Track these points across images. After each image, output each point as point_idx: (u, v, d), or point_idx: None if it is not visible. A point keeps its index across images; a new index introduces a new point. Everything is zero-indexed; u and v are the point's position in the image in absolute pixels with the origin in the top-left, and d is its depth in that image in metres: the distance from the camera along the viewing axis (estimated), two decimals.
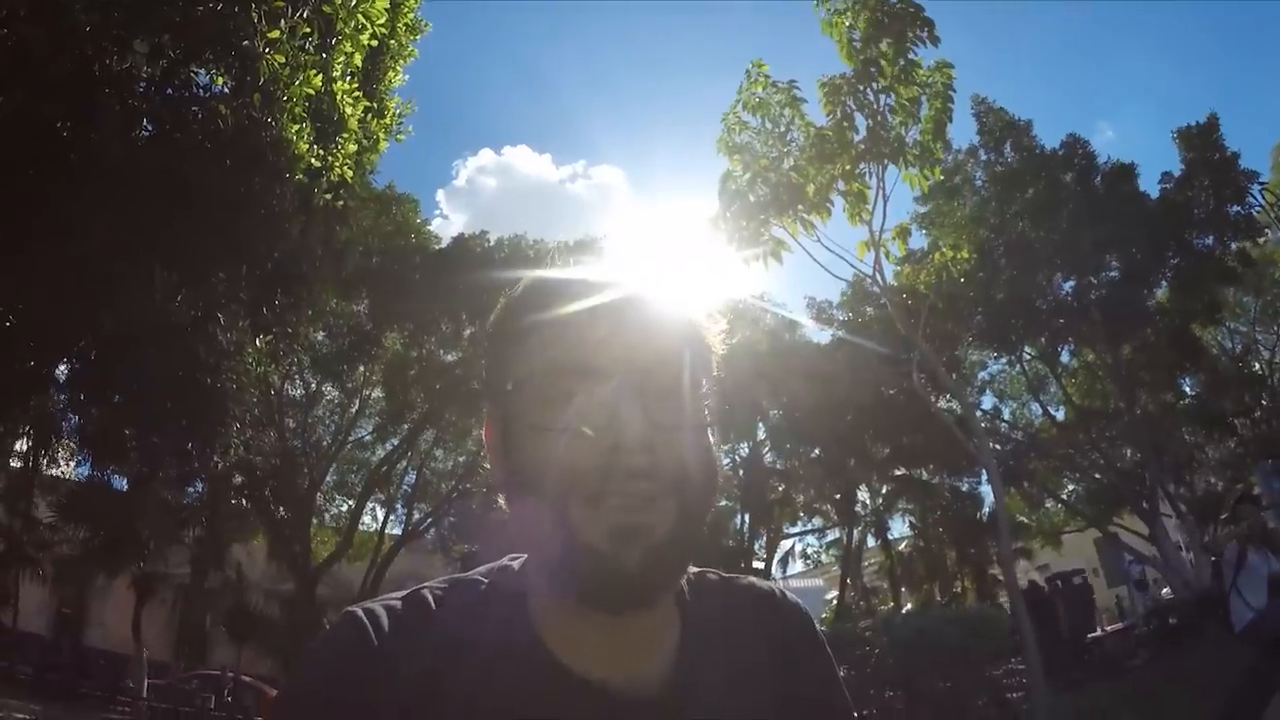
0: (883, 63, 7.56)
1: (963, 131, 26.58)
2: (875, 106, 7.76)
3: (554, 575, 0.74)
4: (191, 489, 20.99)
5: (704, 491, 0.74)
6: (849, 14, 7.68)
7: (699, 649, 0.82)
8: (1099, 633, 19.33)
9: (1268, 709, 5.79)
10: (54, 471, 21.12)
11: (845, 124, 7.74)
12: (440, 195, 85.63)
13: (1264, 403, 21.49)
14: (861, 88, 7.71)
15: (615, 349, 0.73)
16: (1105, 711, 9.96)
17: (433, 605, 0.77)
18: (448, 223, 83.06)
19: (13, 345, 8.55)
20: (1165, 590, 20.44)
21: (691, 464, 0.73)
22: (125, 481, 17.29)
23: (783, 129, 8.20)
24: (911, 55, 7.56)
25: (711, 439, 0.77)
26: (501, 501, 0.79)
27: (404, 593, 0.79)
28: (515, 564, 0.83)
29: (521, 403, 0.74)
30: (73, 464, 18.86)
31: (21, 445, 19.17)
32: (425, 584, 0.81)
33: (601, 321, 0.74)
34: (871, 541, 32.49)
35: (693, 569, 0.89)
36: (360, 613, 0.75)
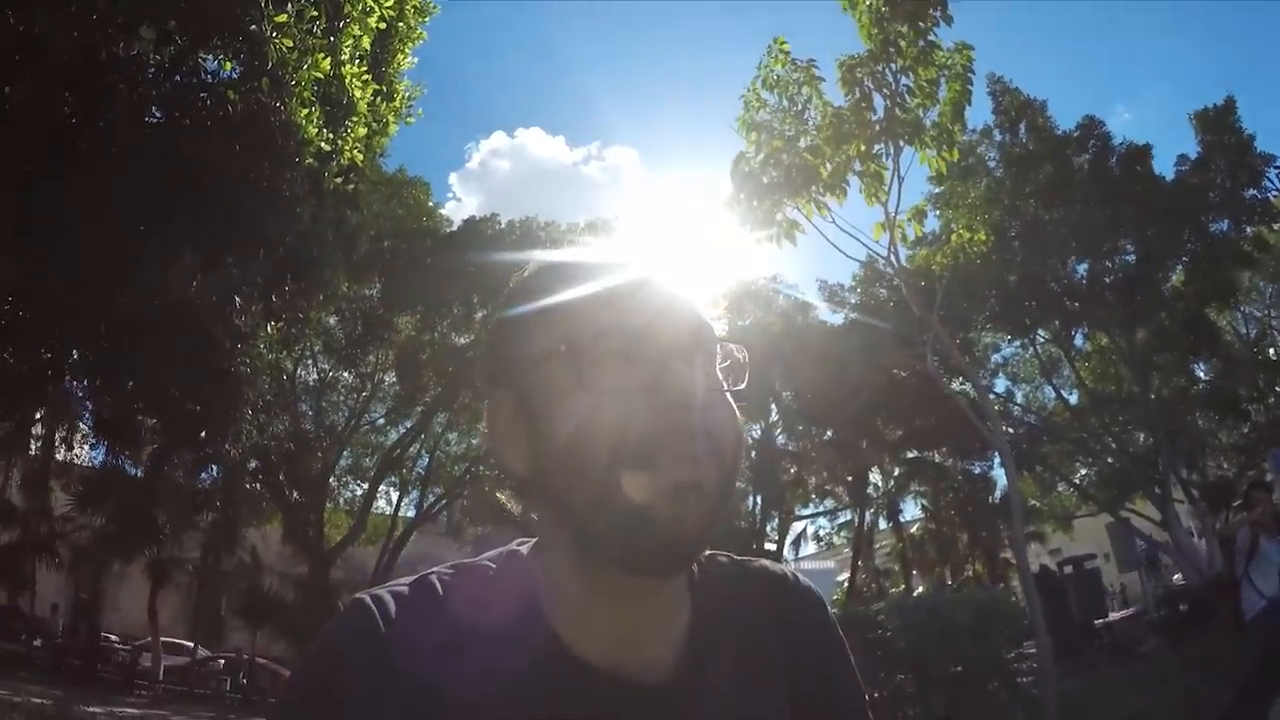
0: (901, 43, 7.48)
1: (979, 111, 26.37)
2: (894, 87, 7.69)
3: (599, 547, 0.73)
4: (206, 473, 21.17)
5: (738, 457, 0.76)
6: None
7: (710, 632, 0.81)
8: (1110, 618, 19.32)
9: (1279, 697, 5.77)
10: (69, 457, 21.29)
11: (863, 104, 7.67)
12: (453, 178, 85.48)
13: (1278, 388, 21.31)
14: (880, 68, 7.63)
15: (651, 316, 0.75)
16: (1116, 696, 9.96)
17: (440, 591, 0.77)
18: (461, 205, 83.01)
19: (28, 333, 8.60)
20: (1177, 576, 20.38)
21: (729, 431, 0.75)
22: (139, 467, 17.42)
23: (800, 107, 8.14)
24: (931, 36, 7.48)
25: (738, 412, 0.78)
26: (510, 489, 0.78)
27: (412, 579, 0.79)
28: (524, 549, 0.82)
29: (557, 371, 0.74)
30: (87, 449, 19.03)
31: (38, 430, 19.32)
32: (433, 570, 0.80)
33: (634, 291, 0.76)
34: (883, 524, 32.55)
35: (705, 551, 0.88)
36: (368, 599, 0.75)
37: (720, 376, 0.77)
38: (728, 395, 0.77)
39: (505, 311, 0.82)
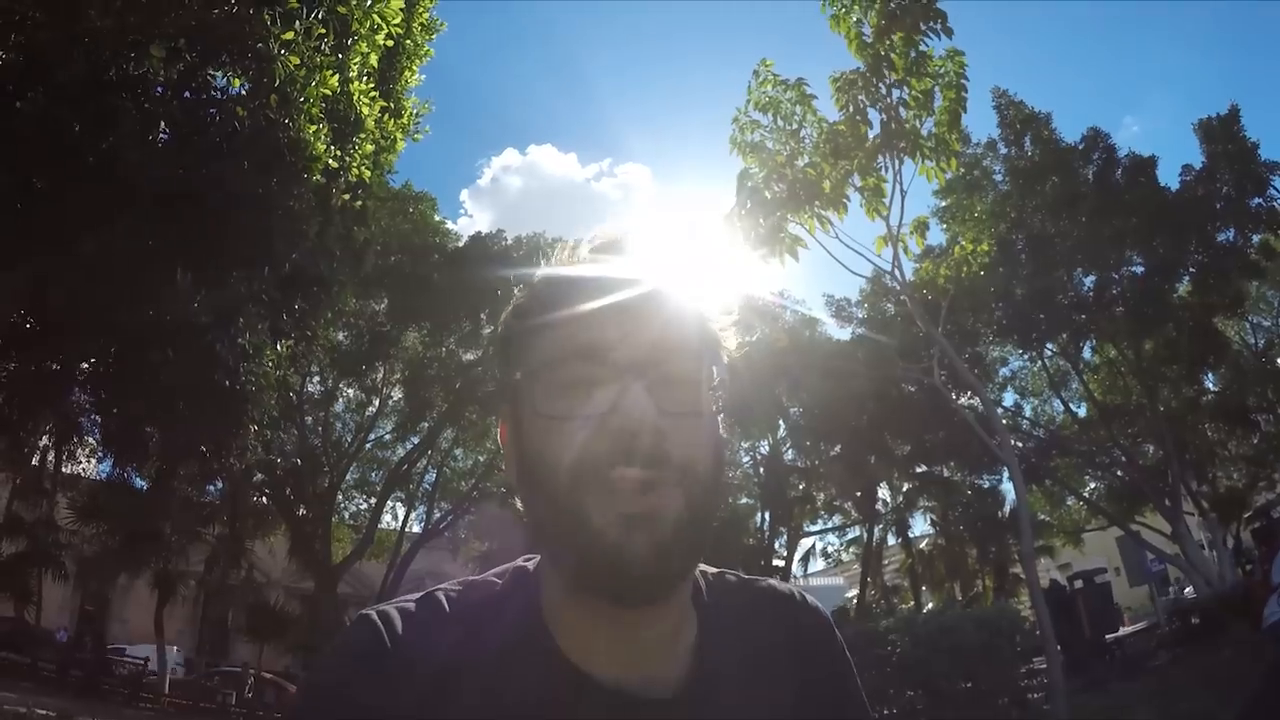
0: (893, 56, 7.50)
1: (984, 125, 26.38)
2: (889, 100, 7.70)
3: (565, 568, 0.73)
4: (212, 487, 21.18)
5: (711, 482, 0.73)
6: (857, 8, 7.62)
7: (716, 651, 0.81)
8: (1120, 632, 19.16)
9: None
10: (75, 469, 21.32)
11: (858, 119, 7.68)
12: (464, 195, 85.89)
13: None
14: (874, 82, 7.65)
15: (623, 337, 0.73)
16: (1127, 712, 9.86)
17: (447, 607, 0.77)
18: (472, 222, 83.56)
19: (35, 346, 8.64)
20: (1188, 589, 20.23)
21: (699, 453, 0.72)
22: (145, 480, 17.42)
23: (794, 126, 8.16)
24: (922, 47, 7.50)
25: (722, 431, 0.77)
26: (517, 501, 0.78)
27: (419, 595, 0.79)
28: (530, 565, 0.83)
29: (530, 393, 0.73)
30: (93, 462, 19.04)
31: (44, 441, 19.36)
32: (440, 586, 0.81)
33: (609, 311, 0.74)
34: (892, 539, 32.37)
35: (712, 570, 0.89)
36: (375, 615, 0.75)
37: (698, 398, 0.74)
38: (713, 419, 0.75)
39: (503, 326, 0.82)
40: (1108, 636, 17.40)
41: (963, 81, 7.59)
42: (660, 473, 0.69)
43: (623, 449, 0.68)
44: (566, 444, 0.70)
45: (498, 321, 0.83)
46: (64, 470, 21.23)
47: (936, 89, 7.62)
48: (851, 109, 7.66)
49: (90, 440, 13.85)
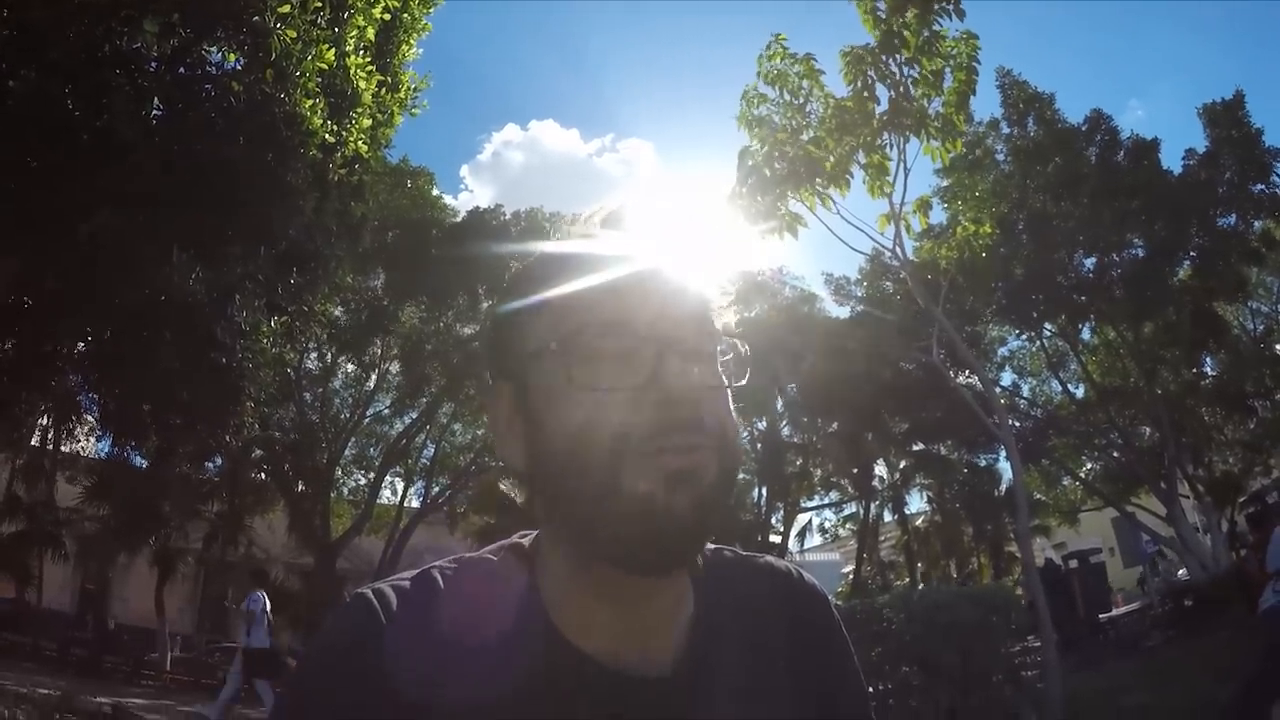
0: (906, 34, 7.43)
1: (987, 104, 26.23)
2: (898, 77, 7.64)
3: (596, 539, 0.72)
4: (211, 464, 21.24)
5: (737, 450, 0.75)
6: None
7: (713, 627, 0.81)
8: (1114, 612, 19.31)
9: None
10: (75, 448, 21.35)
11: (866, 95, 7.63)
12: (465, 170, 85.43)
13: None
14: (885, 58, 7.58)
15: (654, 310, 0.73)
16: (1120, 691, 9.94)
17: (442, 585, 0.77)
18: (473, 197, 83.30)
19: (31, 326, 8.62)
20: (1181, 571, 20.36)
21: (729, 423, 0.74)
22: (144, 458, 17.45)
23: (801, 101, 8.11)
24: (936, 27, 7.43)
25: (731, 404, 0.77)
26: (514, 478, 0.77)
27: (414, 573, 0.79)
28: (526, 541, 0.82)
29: (560, 364, 0.72)
30: (92, 440, 19.06)
31: (43, 421, 19.37)
32: (434, 563, 0.80)
33: (637, 284, 0.74)
34: (889, 516, 32.57)
35: (709, 546, 0.88)
36: (370, 594, 0.75)
37: (720, 372, 0.76)
38: (726, 392, 0.76)
39: (503, 304, 0.80)
40: (1101, 616, 17.55)
41: (974, 64, 7.53)
42: (701, 437, 0.70)
43: (666, 419, 0.69)
44: (608, 415, 0.70)
45: (504, 292, 0.82)
46: (63, 450, 21.24)
47: (948, 70, 7.56)
48: (860, 84, 7.60)
49: (89, 419, 13.84)
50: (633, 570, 0.72)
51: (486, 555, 0.82)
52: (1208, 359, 20.64)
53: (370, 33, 9.07)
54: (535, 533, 0.82)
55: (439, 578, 0.78)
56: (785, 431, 27.32)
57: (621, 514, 0.69)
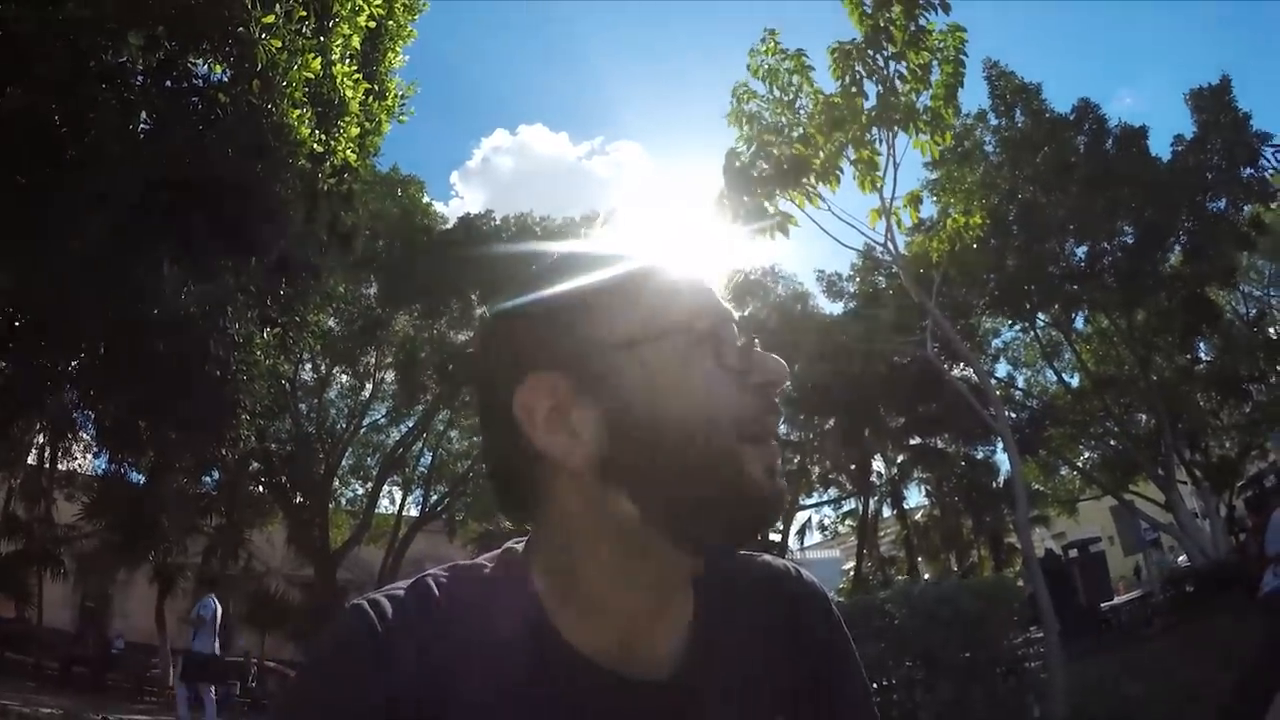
0: (893, 28, 7.43)
1: (975, 96, 26.28)
2: (885, 73, 7.64)
3: (714, 520, 0.73)
4: (208, 478, 21.17)
5: None
6: None
7: (715, 628, 0.81)
8: (1115, 600, 19.34)
9: None
10: (71, 465, 21.28)
11: (855, 90, 7.63)
12: (455, 177, 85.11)
13: (1279, 367, 21.29)
14: (872, 53, 7.59)
15: (723, 301, 0.78)
16: (1122, 680, 9.94)
17: (438, 594, 0.76)
18: (463, 203, 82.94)
19: (26, 344, 8.59)
20: (1181, 558, 20.41)
21: None
22: (141, 474, 17.40)
23: (790, 97, 8.11)
24: (921, 21, 7.44)
25: None
26: (554, 473, 0.75)
27: (408, 582, 0.78)
28: (519, 546, 0.81)
29: (657, 352, 0.72)
30: (89, 457, 19.00)
31: (39, 439, 19.31)
32: (429, 572, 0.79)
33: (703, 276, 0.78)
34: (888, 511, 32.54)
35: (707, 545, 0.87)
36: (366, 605, 0.74)
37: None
38: None
39: (546, 292, 0.76)
40: (1102, 605, 17.58)
41: (961, 57, 7.54)
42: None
43: (772, 401, 0.75)
44: (729, 398, 0.72)
45: (508, 297, 0.80)
46: (60, 467, 21.18)
47: (935, 63, 7.57)
48: (848, 80, 7.60)
49: (84, 436, 13.81)
50: (734, 541, 0.79)
51: (480, 562, 0.82)
52: (1201, 344, 20.68)
53: (355, 41, 9.07)
54: (527, 539, 0.81)
55: (434, 586, 0.77)
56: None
57: (742, 494, 0.71)
